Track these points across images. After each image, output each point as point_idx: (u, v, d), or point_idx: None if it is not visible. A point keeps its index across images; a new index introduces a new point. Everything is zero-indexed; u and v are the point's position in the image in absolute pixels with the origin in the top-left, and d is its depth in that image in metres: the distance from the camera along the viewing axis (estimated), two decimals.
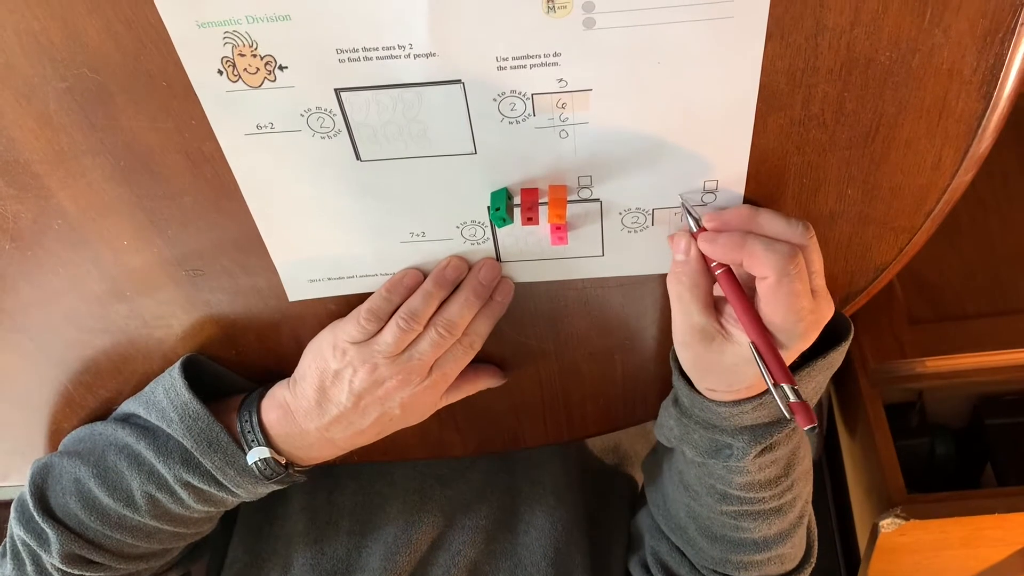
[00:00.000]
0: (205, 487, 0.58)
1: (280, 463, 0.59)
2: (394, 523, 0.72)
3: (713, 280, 0.51)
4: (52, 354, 0.61)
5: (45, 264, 0.55)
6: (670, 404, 0.60)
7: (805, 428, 0.49)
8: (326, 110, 0.47)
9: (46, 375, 0.63)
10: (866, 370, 1.00)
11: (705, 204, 0.52)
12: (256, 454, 0.58)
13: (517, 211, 0.52)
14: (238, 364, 0.63)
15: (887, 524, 0.91)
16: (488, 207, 0.52)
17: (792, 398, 0.49)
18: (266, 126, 0.48)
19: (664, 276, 0.55)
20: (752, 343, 0.49)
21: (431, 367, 0.57)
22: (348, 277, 0.57)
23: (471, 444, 0.72)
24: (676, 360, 0.57)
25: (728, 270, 0.50)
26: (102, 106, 0.47)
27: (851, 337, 0.56)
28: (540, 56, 0.44)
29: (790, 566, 0.66)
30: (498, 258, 0.56)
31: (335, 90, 0.46)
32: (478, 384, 0.63)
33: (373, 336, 0.55)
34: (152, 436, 0.58)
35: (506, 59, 0.44)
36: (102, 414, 0.65)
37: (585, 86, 0.46)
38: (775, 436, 0.55)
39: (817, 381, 0.56)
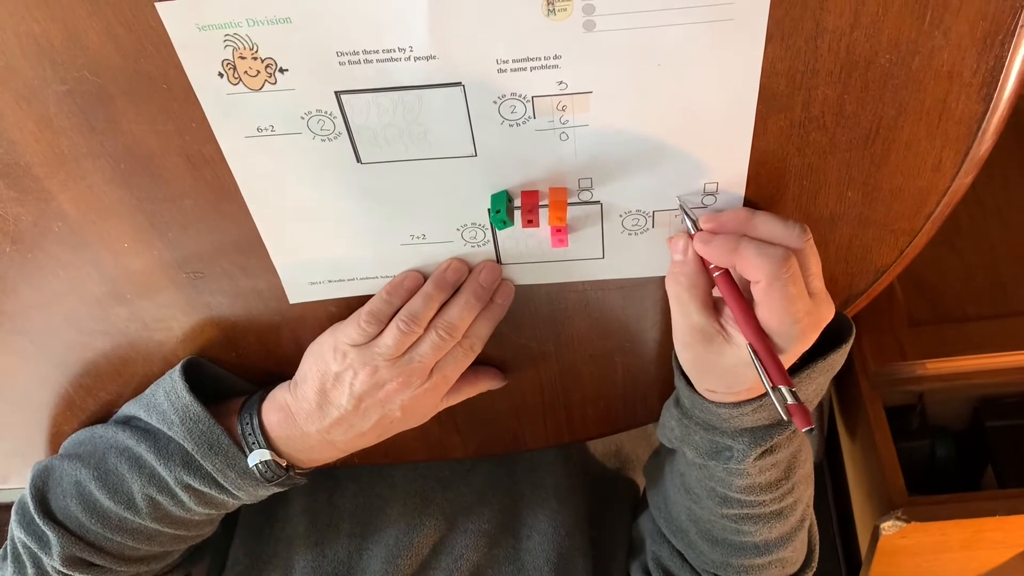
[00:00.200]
0: (206, 489, 0.58)
1: (281, 465, 0.59)
2: (395, 526, 0.72)
3: (711, 281, 0.51)
4: (52, 356, 0.61)
5: (45, 267, 0.55)
6: (672, 405, 0.60)
7: (802, 430, 0.49)
8: (326, 112, 0.47)
9: (47, 377, 0.63)
10: (867, 372, 1.00)
11: (705, 206, 0.52)
12: (257, 456, 0.58)
13: (517, 213, 0.52)
14: (239, 366, 0.63)
15: (888, 526, 0.91)
16: (488, 209, 0.52)
17: (790, 400, 0.49)
18: (266, 129, 0.48)
19: (664, 278, 0.55)
20: (750, 345, 0.49)
21: (432, 369, 0.57)
22: (349, 279, 0.57)
23: (472, 446, 0.72)
24: (678, 361, 0.57)
25: (726, 272, 0.50)
26: (102, 109, 0.47)
27: (852, 339, 0.56)
28: (540, 58, 0.44)
29: (791, 570, 0.66)
30: (498, 260, 0.56)
31: (335, 92, 0.46)
32: (479, 386, 0.63)
33: (374, 338, 0.55)
34: (153, 439, 0.58)
35: (506, 61, 0.44)
36: (102, 416, 0.65)
37: (585, 88, 0.46)
38: (775, 438, 0.55)
39: (818, 383, 0.56)
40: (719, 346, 0.51)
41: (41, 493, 0.59)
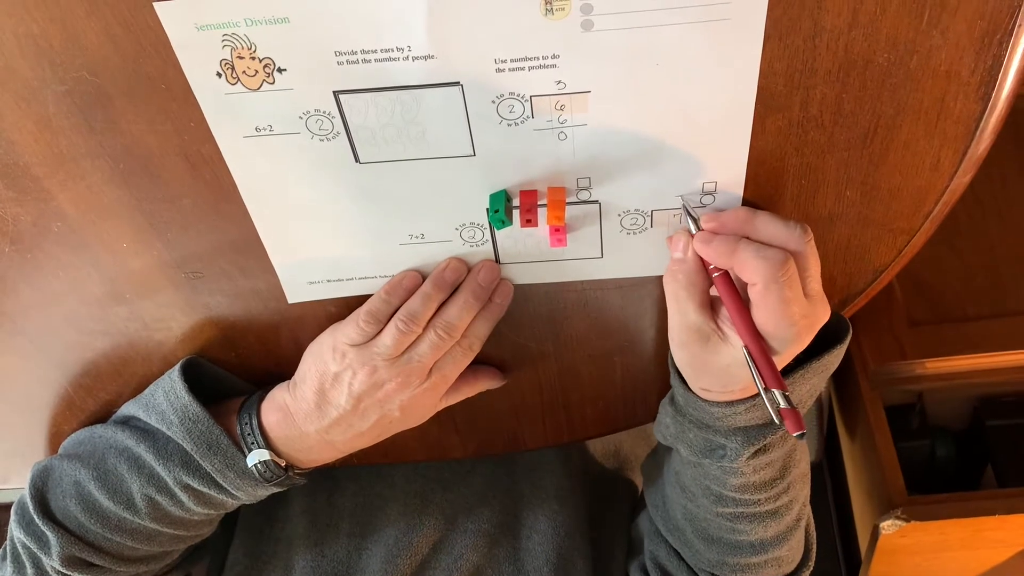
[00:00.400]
0: (205, 489, 0.58)
1: (280, 465, 0.59)
2: (395, 525, 0.72)
3: (710, 280, 0.51)
4: (52, 356, 0.61)
5: (45, 267, 0.55)
6: (667, 403, 0.60)
7: (794, 435, 0.49)
8: (325, 112, 0.47)
9: (46, 377, 0.63)
10: (866, 372, 1.00)
11: (704, 206, 0.52)
12: (256, 456, 0.58)
13: (516, 213, 0.52)
14: (238, 367, 0.63)
15: (888, 526, 0.91)
16: (487, 209, 0.52)
17: (782, 404, 0.49)
18: (265, 128, 0.48)
19: (662, 278, 0.55)
20: (745, 347, 0.49)
21: (430, 369, 0.57)
22: (347, 279, 0.57)
23: (471, 446, 0.72)
24: (673, 359, 0.57)
25: (725, 273, 0.50)
26: (101, 109, 0.47)
27: (848, 339, 0.56)
28: (538, 58, 0.44)
29: (788, 569, 0.66)
30: (497, 260, 0.56)
31: (334, 92, 0.46)
32: (477, 386, 0.63)
33: (372, 338, 0.55)
34: (152, 439, 0.58)
35: (504, 61, 0.44)
36: (102, 416, 0.65)
37: (584, 88, 0.46)
38: (768, 438, 0.55)
39: (812, 383, 0.56)
40: (715, 346, 0.51)
41: (40, 493, 0.59)
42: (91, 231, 0.53)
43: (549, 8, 0.42)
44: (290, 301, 0.58)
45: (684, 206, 0.51)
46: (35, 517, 0.58)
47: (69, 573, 0.59)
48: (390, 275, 0.56)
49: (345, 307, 0.58)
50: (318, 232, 0.54)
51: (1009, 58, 0.44)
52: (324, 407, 0.57)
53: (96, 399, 0.64)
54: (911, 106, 0.47)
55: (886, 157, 0.49)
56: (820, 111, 0.47)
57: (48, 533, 0.58)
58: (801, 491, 0.63)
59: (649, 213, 0.53)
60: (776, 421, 0.49)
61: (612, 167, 0.50)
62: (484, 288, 0.56)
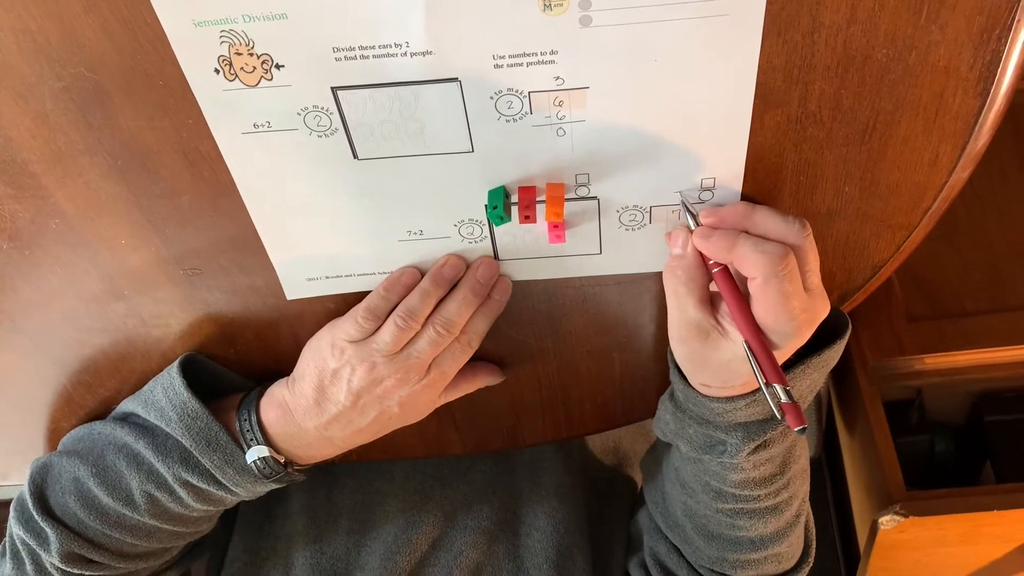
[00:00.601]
0: (204, 486, 0.58)
1: (279, 462, 0.59)
2: (394, 522, 0.72)
3: (709, 276, 0.51)
4: (51, 353, 0.61)
5: (43, 264, 0.55)
6: (667, 398, 0.60)
7: (794, 429, 0.49)
8: (323, 109, 0.47)
9: (45, 374, 0.63)
10: (865, 368, 1.00)
11: (702, 201, 0.52)
12: (255, 453, 0.58)
13: (515, 209, 0.52)
14: (236, 363, 0.63)
15: (886, 521, 0.91)
16: (485, 205, 0.52)
17: (783, 399, 0.49)
18: (263, 125, 0.48)
19: (661, 274, 0.55)
20: (745, 342, 0.49)
21: (429, 365, 0.57)
22: (346, 276, 0.57)
23: (470, 442, 0.72)
24: (673, 355, 0.57)
25: (725, 268, 0.50)
26: (99, 105, 0.47)
27: (848, 334, 0.56)
28: (537, 54, 0.44)
29: (787, 565, 0.66)
30: (496, 256, 0.56)
31: (332, 88, 0.46)
32: (476, 382, 0.63)
33: (371, 335, 0.55)
34: (151, 435, 0.58)
35: (503, 57, 0.44)
36: (101, 413, 0.65)
37: (582, 84, 0.46)
38: (768, 433, 0.55)
39: (812, 378, 0.56)
40: (714, 341, 0.51)
41: (40, 490, 0.59)
42: (89, 228, 0.53)
43: (548, 4, 0.42)
44: (289, 298, 0.58)
45: (683, 202, 0.51)
46: (34, 514, 0.58)
47: (68, 569, 0.59)
48: (389, 272, 0.56)
49: (344, 304, 0.58)
50: (316, 228, 0.54)
51: (1008, 53, 0.44)
52: (323, 403, 0.57)
53: (95, 396, 0.64)
54: (910, 102, 0.47)
55: (885, 153, 0.49)
56: (819, 107, 0.47)
57: (47, 530, 0.58)
58: (801, 487, 0.63)
59: (648, 209, 0.53)
60: (777, 416, 0.49)
61: (611, 163, 0.50)
62: (483, 284, 0.56)
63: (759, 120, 0.47)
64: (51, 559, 0.58)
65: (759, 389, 0.53)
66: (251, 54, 0.44)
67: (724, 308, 0.51)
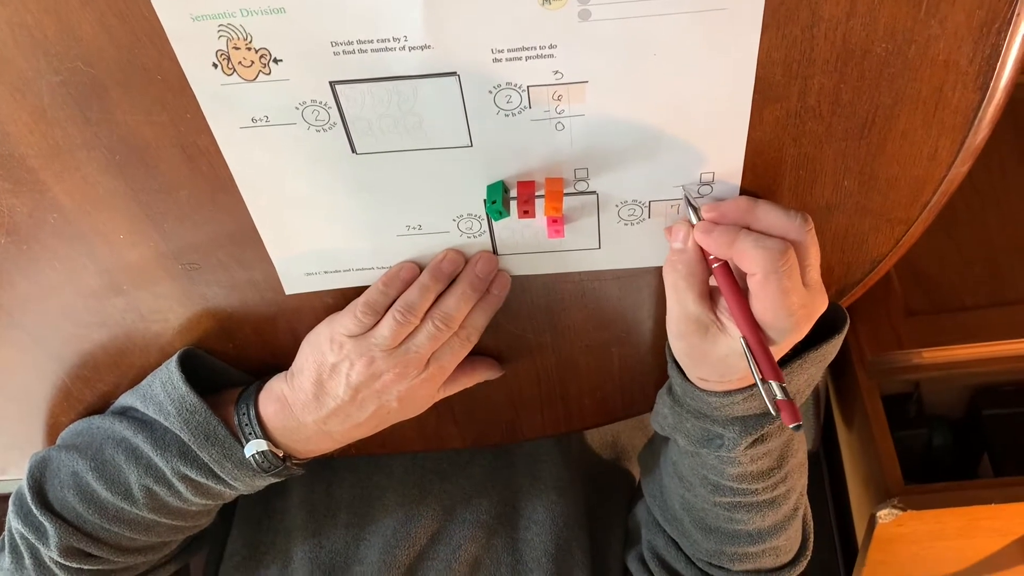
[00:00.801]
0: (203, 480, 0.58)
1: (278, 456, 0.59)
2: (393, 516, 0.72)
3: (709, 270, 0.51)
4: (49, 348, 0.61)
5: (41, 258, 0.55)
6: (665, 392, 0.60)
7: (789, 426, 0.49)
8: (321, 103, 0.47)
9: (43, 369, 0.63)
10: (863, 362, 1.00)
11: (702, 196, 0.52)
12: (254, 447, 0.58)
13: (513, 204, 0.52)
14: (235, 358, 0.63)
15: (884, 515, 0.91)
16: (484, 200, 0.52)
17: (779, 395, 0.49)
18: (261, 119, 0.48)
19: (661, 268, 0.55)
20: (743, 338, 0.49)
21: (428, 360, 0.57)
22: (345, 270, 0.57)
23: (469, 436, 0.72)
24: (671, 349, 0.57)
25: (725, 263, 0.50)
26: (97, 100, 0.47)
27: (846, 329, 0.56)
28: (536, 48, 0.44)
29: (785, 559, 0.66)
30: (495, 251, 0.56)
31: (330, 83, 0.46)
32: (475, 377, 0.63)
33: (370, 329, 0.55)
34: (150, 429, 0.58)
35: (501, 51, 0.44)
36: (100, 408, 0.65)
37: (581, 78, 0.46)
38: (766, 428, 0.55)
39: (809, 373, 0.56)
40: (713, 336, 0.51)
41: (39, 484, 0.59)
42: (87, 222, 0.53)
43: None
44: (287, 292, 0.58)
45: (685, 196, 0.51)
46: (33, 508, 0.58)
47: (67, 564, 0.59)
48: (387, 266, 0.56)
49: (342, 298, 0.58)
50: (315, 223, 0.54)
51: (1008, 47, 0.44)
52: (322, 398, 0.57)
53: (94, 390, 0.64)
54: (909, 96, 0.46)
55: (884, 147, 0.49)
56: (818, 101, 0.47)
57: (46, 524, 0.58)
58: (798, 480, 0.63)
59: (647, 204, 0.53)
60: (773, 412, 0.49)
61: (610, 158, 0.50)
62: (482, 279, 0.56)
63: (758, 114, 0.47)
64: (50, 553, 0.58)
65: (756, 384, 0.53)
66: (249, 48, 0.44)
67: (723, 303, 0.50)
